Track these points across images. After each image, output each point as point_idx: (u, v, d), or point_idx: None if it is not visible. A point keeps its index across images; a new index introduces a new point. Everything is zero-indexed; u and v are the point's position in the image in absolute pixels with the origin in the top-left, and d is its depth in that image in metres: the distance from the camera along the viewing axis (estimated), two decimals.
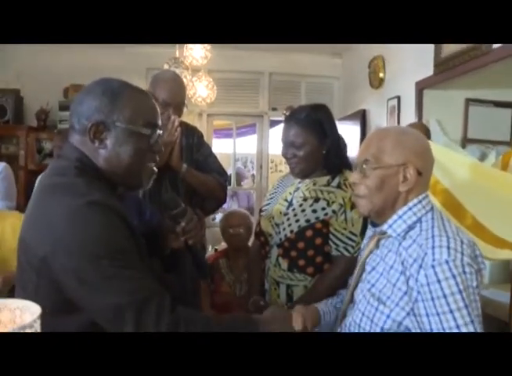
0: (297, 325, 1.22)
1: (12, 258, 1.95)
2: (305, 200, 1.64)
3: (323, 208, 1.59)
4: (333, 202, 1.59)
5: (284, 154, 1.68)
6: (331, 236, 1.57)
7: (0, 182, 2.99)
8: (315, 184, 1.66)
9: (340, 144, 1.71)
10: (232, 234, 2.53)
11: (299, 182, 1.71)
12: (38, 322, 0.67)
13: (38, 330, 0.67)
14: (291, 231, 1.60)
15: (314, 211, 1.60)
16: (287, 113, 1.72)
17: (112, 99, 1.07)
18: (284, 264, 1.62)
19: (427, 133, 2.58)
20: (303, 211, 1.62)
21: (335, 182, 1.63)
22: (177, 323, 0.98)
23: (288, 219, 1.63)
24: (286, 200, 1.71)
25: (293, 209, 1.65)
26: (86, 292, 0.95)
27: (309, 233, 1.58)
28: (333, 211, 1.57)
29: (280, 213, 1.68)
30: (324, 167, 1.68)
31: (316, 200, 1.62)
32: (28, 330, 0.63)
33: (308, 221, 1.59)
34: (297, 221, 1.61)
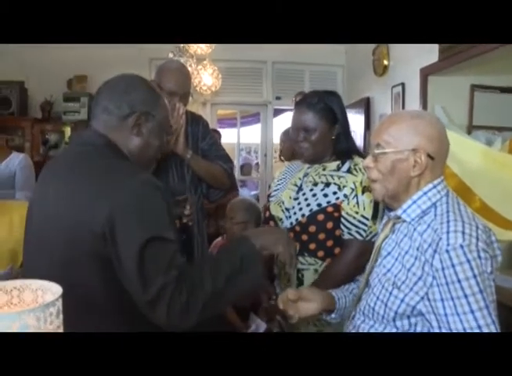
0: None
1: (20, 250, 1.96)
2: (315, 184, 1.65)
3: (334, 193, 1.60)
4: (344, 186, 1.60)
5: (295, 138, 1.68)
6: (343, 220, 1.58)
7: (19, 172, 3.02)
8: (324, 169, 1.67)
9: (349, 130, 1.72)
10: (227, 227, 2.41)
11: (308, 168, 1.72)
12: (60, 301, 0.69)
13: (60, 309, 0.68)
14: (303, 215, 1.61)
15: (325, 195, 1.61)
16: (297, 99, 1.73)
17: (153, 95, 1.22)
18: None
19: None
20: (314, 195, 1.63)
21: (345, 167, 1.64)
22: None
23: (299, 204, 1.64)
24: (295, 185, 1.71)
25: (304, 194, 1.66)
26: (138, 268, 0.99)
27: (320, 216, 1.59)
28: (345, 196, 1.58)
29: (290, 198, 1.69)
30: (333, 152, 1.69)
31: (327, 184, 1.63)
32: (52, 309, 0.65)
33: (319, 205, 1.60)
34: (308, 205, 1.62)
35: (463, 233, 1.03)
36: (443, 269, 1.02)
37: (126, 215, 1.02)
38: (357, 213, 1.57)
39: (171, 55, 3.49)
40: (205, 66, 3.81)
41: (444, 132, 1.17)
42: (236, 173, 5.14)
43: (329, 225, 1.59)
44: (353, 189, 1.58)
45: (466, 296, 0.99)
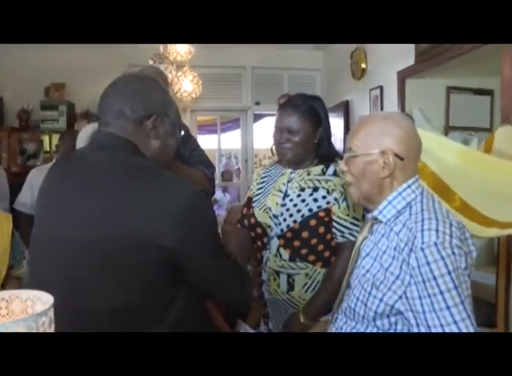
0: None
1: (2, 261, 1.92)
2: (302, 190, 1.65)
3: (324, 197, 1.61)
4: (333, 190, 1.61)
5: (278, 139, 1.68)
6: (335, 224, 1.59)
7: None
8: (309, 174, 1.68)
9: (331, 134, 1.74)
10: (225, 229, 2.55)
11: (291, 173, 1.72)
12: (52, 310, 0.68)
13: (52, 318, 0.68)
14: (294, 221, 1.61)
15: (315, 200, 1.61)
16: (281, 101, 1.74)
17: (166, 95, 1.20)
18: (285, 254, 1.62)
19: None
20: (303, 201, 1.63)
21: (330, 171, 1.65)
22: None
23: (288, 210, 1.64)
24: (280, 191, 1.71)
25: (291, 200, 1.65)
26: (217, 270, 1.13)
27: (313, 222, 1.59)
28: (335, 199, 1.60)
29: (277, 204, 1.68)
30: (315, 156, 1.70)
31: (315, 189, 1.63)
32: (44, 318, 0.64)
33: (310, 210, 1.61)
34: (299, 211, 1.61)
35: (437, 230, 1.05)
36: (419, 267, 1.04)
37: (192, 229, 1.03)
38: (348, 215, 1.59)
39: (151, 62, 3.48)
40: (185, 73, 3.81)
41: (413, 132, 1.19)
42: (217, 179, 5.14)
43: (321, 229, 1.60)
44: (342, 193, 1.59)
45: (441, 293, 1.01)
